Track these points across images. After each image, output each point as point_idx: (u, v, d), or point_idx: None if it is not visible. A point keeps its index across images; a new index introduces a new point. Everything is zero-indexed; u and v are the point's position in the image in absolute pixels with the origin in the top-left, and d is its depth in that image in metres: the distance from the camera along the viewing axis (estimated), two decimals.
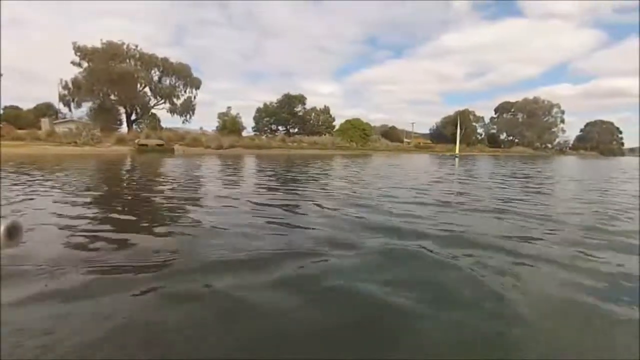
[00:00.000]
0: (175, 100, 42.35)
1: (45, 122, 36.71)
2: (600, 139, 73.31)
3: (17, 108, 50.35)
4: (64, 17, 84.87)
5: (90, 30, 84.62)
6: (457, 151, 37.87)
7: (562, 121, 69.95)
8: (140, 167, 13.70)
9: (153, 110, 43.15)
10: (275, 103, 46.93)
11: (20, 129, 30.55)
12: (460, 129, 67.96)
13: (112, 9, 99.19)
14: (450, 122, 67.73)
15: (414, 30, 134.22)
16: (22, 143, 25.71)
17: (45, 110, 46.55)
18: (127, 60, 37.57)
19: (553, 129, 70.43)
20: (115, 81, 34.89)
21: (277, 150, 32.99)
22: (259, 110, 46.59)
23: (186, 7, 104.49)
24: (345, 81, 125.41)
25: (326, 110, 49.10)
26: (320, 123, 48.38)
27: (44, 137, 27.90)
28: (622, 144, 74.67)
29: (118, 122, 41.50)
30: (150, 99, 41.74)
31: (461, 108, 68.64)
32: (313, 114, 48.72)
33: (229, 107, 40.11)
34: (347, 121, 45.09)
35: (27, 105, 49.80)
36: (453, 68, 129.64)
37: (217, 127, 45.25)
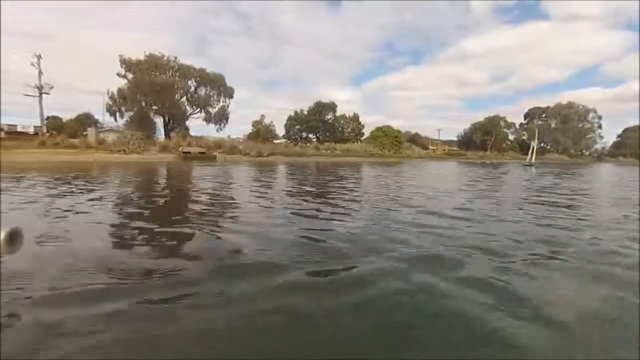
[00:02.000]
0: (210, 109, 43.57)
1: (91, 132, 38.53)
2: (635, 145, 69.53)
3: (57, 118, 53.19)
4: (90, 30, 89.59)
5: (116, 43, 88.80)
6: (532, 159, 36.09)
7: (600, 127, 67.04)
8: (200, 175, 13.96)
9: (189, 119, 44.18)
10: (306, 111, 47.34)
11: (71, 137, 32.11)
12: (491, 135, 66.50)
13: (135, 23, 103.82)
14: (479, 128, 66.25)
15: (432, 35, 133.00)
16: (76, 151, 26.98)
17: (84, 119, 48.90)
18: (167, 72, 39.02)
19: (590, 135, 67.50)
20: (157, 91, 36.25)
21: (315, 157, 33.09)
22: (290, 118, 47.17)
23: (207, 18, 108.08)
24: (362, 88, 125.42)
25: (355, 118, 49.09)
26: (350, 130, 48.35)
27: (95, 145, 29.17)
28: None
29: (154, 131, 42.85)
30: (186, 109, 43.06)
31: (484, 113, 67.06)
32: (342, 121, 48.78)
33: (262, 116, 40.80)
34: (378, 129, 44.88)
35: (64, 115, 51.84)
36: (474, 72, 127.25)
37: (249, 134, 46.01)
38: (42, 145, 27.07)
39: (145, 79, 35.60)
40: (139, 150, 29.61)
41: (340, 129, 48.51)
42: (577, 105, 68.06)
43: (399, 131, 45.82)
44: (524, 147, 73.49)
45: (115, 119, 37.83)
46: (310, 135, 48.26)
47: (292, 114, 47.58)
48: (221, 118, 44.15)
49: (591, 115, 66.82)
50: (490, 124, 64.70)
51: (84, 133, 39.59)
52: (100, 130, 39.54)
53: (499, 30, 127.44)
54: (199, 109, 43.68)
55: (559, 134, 67.44)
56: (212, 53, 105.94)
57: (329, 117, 46.36)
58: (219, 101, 44.23)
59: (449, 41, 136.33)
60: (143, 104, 37.87)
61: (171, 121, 43.51)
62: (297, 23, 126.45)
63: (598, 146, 68.52)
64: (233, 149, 33.56)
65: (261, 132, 39.46)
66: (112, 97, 36.17)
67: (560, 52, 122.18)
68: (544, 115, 74.31)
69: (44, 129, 36.13)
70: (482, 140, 64.49)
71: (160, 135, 43.54)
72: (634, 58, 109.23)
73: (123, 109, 36.59)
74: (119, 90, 36.16)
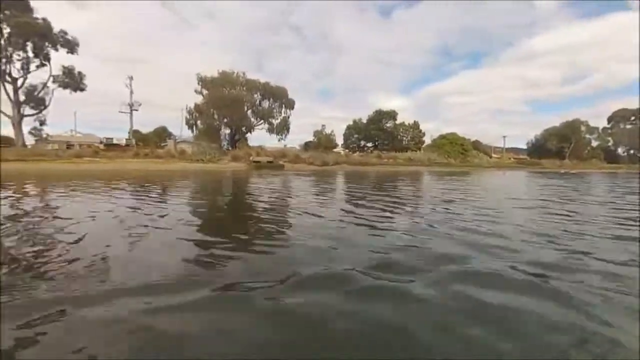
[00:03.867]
0: (272, 120, 45.65)
1: (170, 143, 42.64)
2: None
3: (138, 131, 59.98)
4: (155, 50, 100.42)
5: (184, 62, 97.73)
6: None
7: None
8: (277, 183, 14.36)
9: (254, 130, 46.66)
10: (365, 120, 47.26)
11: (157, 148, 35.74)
12: (569, 141, 59.86)
13: (199, 45, 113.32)
14: (555, 134, 60.07)
15: (493, 36, 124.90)
16: (162, 160, 29.87)
17: (161, 132, 54.41)
18: (236, 87, 41.86)
19: None
20: (228, 105, 39.00)
21: (378, 166, 32.60)
22: (349, 127, 47.43)
23: (264, 34, 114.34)
24: (415, 95, 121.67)
25: (416, 126, 47.65)
26: (409, 138, 47.04)
27: (177, 155, 32.06)
28: None
29: (226, 142, 45.99)
30: (252, 120, 45.63)
31: (555, 117, 60.40)
32: (401, 129, 47.67)
33: (323, 125, 41.58)
34: (442, 136, 42.93)
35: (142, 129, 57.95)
36: (543, 72, 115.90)
37: (305, 143, 47.22)
38: (136, 156, 30.45)
39: (217, 94, 38.57)
40: (215, 160, 31.82)
41: (399, 137, 47.45)
42: None
43: (465, 138, 43.35)
44: (609, 155, 64.96)
45: (193, 132, 41.29)
46: (369, 144, 47.89)
47: (351, 123, 47.84)
48: (283, 128, 45.95)
49: None
50: (568, 129, 58.28)
51: (163, 144, 44.08)
52: (177, 142, 43.74)
53: (571, 25, 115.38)
54: (262, 121, 46.03)
55: None
56: (269, 67, 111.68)
57: (388, 125, 45.68)
58: (280, 112, 46.25)
59: (512, 41, 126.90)
60: (215, 116, 40.97)
61: (238, 132, 46.44)
62: (350, 33, 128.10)
63: None
64: (297, 158, 34.48)
65: (322, 141, 40.08)
66: (190, 112, 39.63)
67: None
68: (632, 119, 65.05)
69: (134, 142, 40.75)
70: (559, 148, 58.25)
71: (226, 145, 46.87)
72: None
73: (199, 122, 39.85)
74: (196, 106, 39.54)
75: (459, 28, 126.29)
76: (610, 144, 66.28)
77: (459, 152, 40.55)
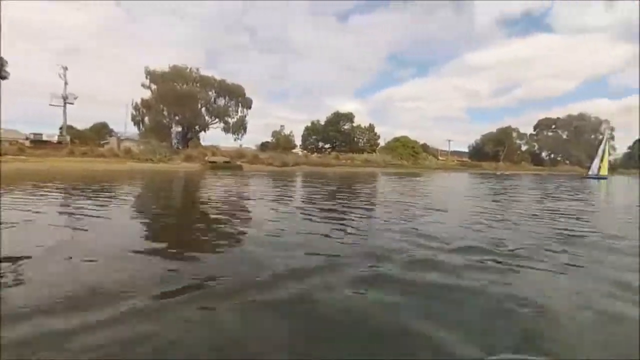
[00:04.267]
0: (229, 119, 44.08)
1: (113, 141, 38.97)
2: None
3: (73, 127, 53.79)
4: (97, 43, 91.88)
5: (129, 57, 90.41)
6: (604, 171, 31.57)
7: (612, 138, 67.03)
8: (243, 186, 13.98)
9: (208, 129, 44.62)
10: (322, 122, 47.80)
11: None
12: (503, 146, 66.62)
13: (149, 39, 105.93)
14: (491, 139, 66.44)
15: (439, 47, 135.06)
16: (105, 160, 27.16)
17: (100, 128, 49.46)
18: (189, 82, 39.68)
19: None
20: (180, 101, 36.76)
21: (337, 167, 33.19)
22: (307, 128, 47.54)
23: (217, 32, 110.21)
24: (369, 99, 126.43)
25: (371, 128, 49.43)
26: (365, 141, 48.63)
27: (122, 155, 29.40)
28: None
29: (176, 141, 43.25)
30: (206, 119, 43.58)
31: (489, 125, 67.18)
32: (358, 132, 49.10)
33: (282, 126, 41.13)
34: (396, 139, 45.08)
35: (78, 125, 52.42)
36: (480, 84, 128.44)
37: (261, 143, 46.43)
38: (71, 154, 27.28)
39: (168, 89, 36.18)
40: (166, 160, 29.80)
41: (355, 139, 48.79)
42: (589, 116, 68.41)
43: (416, 142, 46.04)
44: (535, 158, 73.67)
45: (139, 129, 38.23)
46: (327, 146, 48.52)
47: (309, 124, 48.06)
48: (239, 128, 44.60)
49: (603, 126, 66.93)
50: (502, 135, 64.90)
51: (103, 142, 40.13)
52: (121, 139, 40.12)
53: (505, 43, 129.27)
54: (217, 119, 44.21)
55: (571, 146, 67.51)
56: (223, 67, 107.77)
57: (346, 127, 46.73)
58: (237, 111, 44.85)
59: (455, 53, 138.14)
60: (165, 113, 38.38)
61: (190, 131, 44.02)
62: (306, 36, 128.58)
63: (611, 158, 68.35)
64: (255, 159, 33.72)
65: (281, 142, 39.68)
66: (136, 108, 36.63)
67: (568, 64, 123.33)
68: (553, 127, 74.57)
69: (68, 139, 36.48)
70: (495, 151, 64.57)
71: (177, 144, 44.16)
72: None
73: (147, 118, 37.01)
74: (144, 101, 36.67)
75: (410, 37, 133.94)
76: (536, 148, 75.06)
77: (410, 154, 42.93)
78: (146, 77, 36.31)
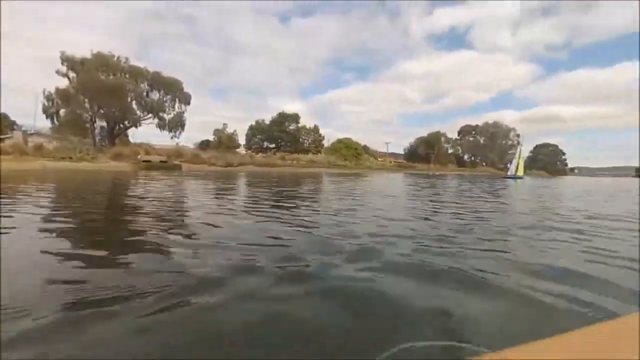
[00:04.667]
0: (165, 115, 40.78)
1: (18, 135, 33.11)
2: (547, 160, 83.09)
3: None
4: (17, 27, 77.57)
5: (52, 42, 78.23)
6: (520, 172, 36.41)
7: (519, 143, 78.36)
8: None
9: (140, 125, 40.68)
10: (268, 121, 47.03)
11: None
12: (433, 149, 73.21)
13: (71, 22, 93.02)
14: (423, 143, 72.57)
15: (378, 55, 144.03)
16: (10, 157, 22.96)
17: None
18: (117, 73, 35.69)
19: (511, 151, 78.46)
20: (107, 94, 32.81)
21: (284, 168, 32.99)
22: (251, 127, 46.19)
23: (150, 21, 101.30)
24: (312, 101, 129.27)
25: (316, 130, 50.19)
26: (310, 142, 49.18)
27: (32, 152, 25.16)
28: (566, 164, 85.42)
29: (100, 137, 38.44)
30: (138, 114, 39.66)
31: (421, 129, 73.40)
32: (303, 132, 49.46)
33: (224, 124, 39.39)
34: (339, 140, 46.45)
35: None
36: (412, 92, 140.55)
37: (204, 141, 44.16)
38: None
39: (92, 78, 32.01)
40: (89, 158, 26.39)
41: (301, 139, 49.06)
42: (502, 124, 78.98)
43: (358, 143, 48.03)
44: (459, 160, 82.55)
45: (52, 122, 33.16)
46: (271, 146, 47.88)
47: (253, 123, 46.82)
48: (177, 125, 41.55)
49: (512, 133, 77.93)
50: (432, 139, 71.26)
51: (3, 136, 33.83)
52: (28, 134, 34.26)
53: (434, 56, 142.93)
54: (151, 114, 40.57)
55: (488, 150, 77.16)
56: (158, 56, 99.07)
57: (291, 127, 46.62)
58: (174, 107, 41.73)
59: (393, 61, 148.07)
60: (87, 106, 33.91)
61: (118, 126, 39.60)
62: (248, 34, 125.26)
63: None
64: (196, 158, 31.79)
65: (223, 141, 37.98)
66: (49, 98, 31.68)
67: (484, 78, 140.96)
68: (473, 133, 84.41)
69: None
70: (426, 154, 70.67)
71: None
72: (538, 86, 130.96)
73: (63, 111, 32.28)
74: (59, 91, 31.86)
75: (350, 45, 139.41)
76: (459, 151, 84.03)
77: (353, 155, 44.64)
78: (63, 64, 31.63)
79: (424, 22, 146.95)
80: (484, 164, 79.76)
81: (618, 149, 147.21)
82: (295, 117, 46.46)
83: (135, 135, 42.94)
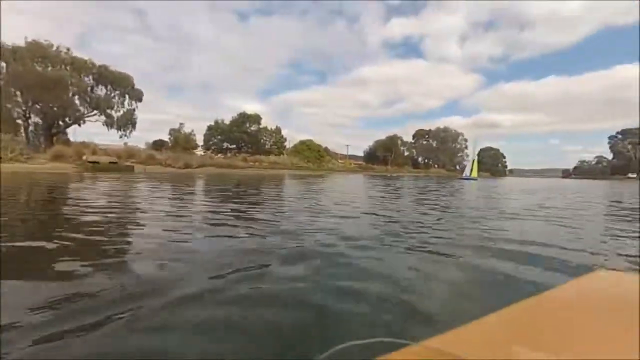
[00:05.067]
0: (113, 112, 37.71)
1: None
2: (491, 163, 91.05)
3: None
4: None
5: None
6: (475, 174, 38.79)
7: (466, 147, 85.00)
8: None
9: (84, 122, 37.15)
10: (227, 121, 45.56)
11: None
12: (391, 152, 76.49)
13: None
14: (381, 145, 75.53)
15: (336, 59, 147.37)
16: None
17: None
18: (57, 65, 32.28)
19: (460, 154, 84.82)
20: (44, 87, 29.46)
21: (246, 170, 32.25)
22: (210, 128, 44.33)
23: (93, 8, 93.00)
24: (270, 101, 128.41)
25: (278, 131, 49.74)
26: (272, 143, 48.61)
27: None
28: (506, 166, 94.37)
29: (28, 135, 34.07)
30: (81, 110, 36.19)
31: (379, 132, 76.48)
32: (265, 134, 48.76)
33: (181, 124, 37.44)
34: (302, 142, 46.52)
35: None
36: (370, 96, 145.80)
37: (157, 141, 41.66)
38: None
39: (26, 69, 28.57)
40: (23, 159, 23.50)
41: (262, 141, 48.29)
42: (451, 129, 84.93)
43: (320, 145, 48.55)
44: (413, 162, 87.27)
45: None
46: (232, 147, 46.44)
47: (212, 124, 45.04)
48: (127, 123, 38.66)
49: (460, 137, 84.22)
50: (390, 142, 74.40)
51: None
52: None
53: (390, 63, 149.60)
54: (96, 111, 37.24)
55: (439, 152, 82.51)
56: (101, 48, 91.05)
57: (253, 128, 45.63)
58: (123, 104, 38.76)
59: (351, 66, 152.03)
60: (20, 99, 30.19)
61: (56, 123, 35.72)
62: (204, 30, 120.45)
63: (465, 163, 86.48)
64: (151, 160, 29.83)
65: (180, 141, 36.06)
66: None
67: (435, 86, 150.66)
68: (426, 137, 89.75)
69: None
70: (384, 156, 73.60)
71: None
72: (482, 95, 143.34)
73: None
74: None
75: (309, 46, 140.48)
76: (414, 154, 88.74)
77: (316, 157, 44.99)
78: None
79: (380, 30, 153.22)
80: (436, 165, 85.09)
81: (544, 153, 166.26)
82: (256, 118, 45.59)
83: (77, 133, 39.08)
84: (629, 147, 77.14)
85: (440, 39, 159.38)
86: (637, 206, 8.53)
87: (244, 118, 44.55)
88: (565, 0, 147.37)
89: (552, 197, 11.15)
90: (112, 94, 38.30)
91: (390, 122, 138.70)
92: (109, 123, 37.80)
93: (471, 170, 39.83)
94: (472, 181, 33.17)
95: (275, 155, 45.18)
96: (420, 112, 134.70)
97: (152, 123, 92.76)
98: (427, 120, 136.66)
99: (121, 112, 38.17)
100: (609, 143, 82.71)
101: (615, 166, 79.70)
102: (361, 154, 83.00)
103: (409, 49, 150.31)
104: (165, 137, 40.17)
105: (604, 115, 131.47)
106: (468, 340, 0.43)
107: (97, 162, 25.02)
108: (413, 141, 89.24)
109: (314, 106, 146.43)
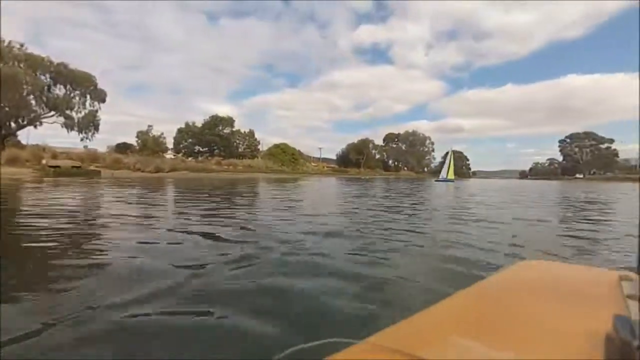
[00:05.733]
0: (73, 113, 35.43)
1: None
2: (457, 165, 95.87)
3: None
4: None
5: None
6: (451, 176, 40.36)
7: (433, 150, 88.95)
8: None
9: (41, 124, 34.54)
10: (197, 124, 44.34)
11: None
12: (362, 155, 78.19)
13: None
14: (353, 148, 77.02)
15: (307, 63, 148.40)
16: None
17: None
18: (10, 61, 29.86)
19: (427, 157, 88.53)
20: None
21: (220, 173, 31.62)
22: (180, 130, 42.84)
23: (48, 2, 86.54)
24: (242, 104, 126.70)
25: (251, 134, 49.20)
26: (246, 146, 47.97)
27: None
28: (470, 168, 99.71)
29: None
30: (37, 110, 33.62)
31: (350, 136, 78.01)
32: (238, 137, 48.04)
33: (150, 126, 35.93)
34: (276, 146, 46.32)
35: None
36: (341, 100, 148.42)
37: (116, 144, 39.64)
38: None
39: None
40: None
41: (235, 144, 47.52)
42: (419, 133, 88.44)
43: (294, 149, 48.66)
44: (384, 165, 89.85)
45: None
46: (203, 150, 45.23)
47: (182, 126, 43.58)
48: (89, 125, 36.46)
49: (427, 141, 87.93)
50: (362, 145, 76.06)
51: None
52: None
53: (359, 68, 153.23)
54: (54, 112, 34.79)
55: (408, 155, 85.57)
56: (57, 44, 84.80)
57: (225, 131, 44.74)
58: (84, 105, 36.53)
59: (322, 70, 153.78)
60: None
61: (8, 124, 32.88)
62: (173, 29, 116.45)
63: (432, 165, 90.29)
64: (117, 164, 28.38)
65: (149, 144, 34.59)
66: None
67: (403, 91, 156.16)
68: (396, 140, 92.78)
69: None
70: (357, 159, 75.09)
71: None
72: (446, 100, 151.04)
73: None
74: None
75: (280, 50, 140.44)
76: (385, 157, 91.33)
77: (290, 160, 45.01)
78: None
79: (350, 35, 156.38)
80: (405, 168, 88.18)
81: (502, 155, 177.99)
82: (229, 121, 44.81)
83: (31, 136, 36.21)
84: (576, 150, 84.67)
85: (406, 47, 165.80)
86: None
87: (216, 120, 43.61)
88: (518, 14, 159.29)
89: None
90: (72, 94, 36.03)
91: (360, 126, 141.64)
92: (69, 125, 35.47)
93: (447, 172, 41.81)
94: (449, 183, 34.89)
95: (249, 158, 44.65)
96: (388, 116, 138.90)
97: (114, 125, 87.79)
98: (396, 124, 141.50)
99: (82, 113, 35.99)
100: (559, 147, 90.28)
101: (565, 168, 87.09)
102: (333, 157, 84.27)
103: (377, 54, 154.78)
104: (130, 140, 38.34)
105: (554, 121, 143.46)
106: (412, 334, 0.43)
107: (59, 167, 23.41)
108: (384, 144, 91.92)
109: (286, 109, 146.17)
